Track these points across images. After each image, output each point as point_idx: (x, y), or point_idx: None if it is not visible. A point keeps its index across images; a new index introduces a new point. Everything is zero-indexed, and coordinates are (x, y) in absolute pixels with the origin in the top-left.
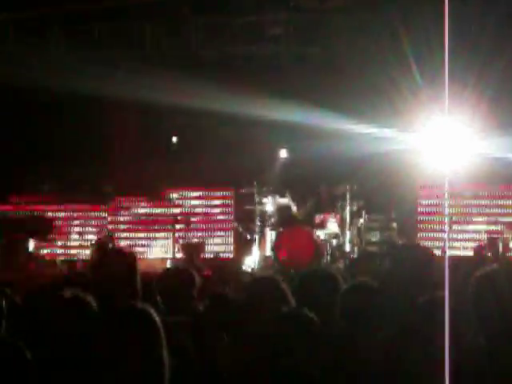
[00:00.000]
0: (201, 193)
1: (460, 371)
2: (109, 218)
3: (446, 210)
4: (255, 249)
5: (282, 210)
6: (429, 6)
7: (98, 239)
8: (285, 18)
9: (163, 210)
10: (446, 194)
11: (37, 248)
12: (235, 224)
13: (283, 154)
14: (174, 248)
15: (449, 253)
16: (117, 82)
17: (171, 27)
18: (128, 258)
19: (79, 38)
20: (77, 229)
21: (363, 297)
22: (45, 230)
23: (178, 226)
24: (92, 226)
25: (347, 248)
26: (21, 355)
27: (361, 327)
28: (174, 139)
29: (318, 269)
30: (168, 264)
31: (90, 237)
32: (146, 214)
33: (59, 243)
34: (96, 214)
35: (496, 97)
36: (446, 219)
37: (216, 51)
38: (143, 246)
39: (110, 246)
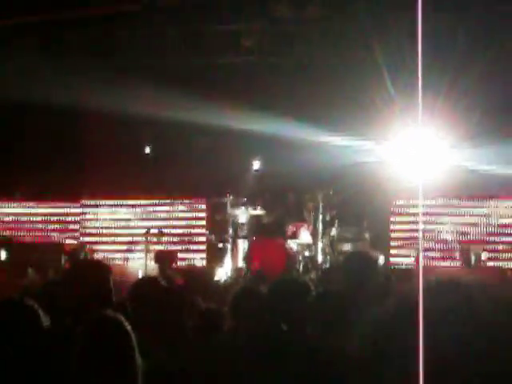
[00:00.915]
0: (174, 202)
1: (435, 378)
2: (81, 226)
3: (420, 221)
4: (227, 259)
5: (254, 221)
6: (402, 17)
7: (72, 248)
8: (259, 29)
9: (135, 219)
10: (420, 205)
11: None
12: (208, 234)
13: (256, 164)
14: (146, 257)
15: (422, 263)
16: (90, 92)
17: (145, 37)
18: (101, 270)
19: (52, 46)
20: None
21: (333, 304)
22: None
23: (150, 236)
24: (64, 231)
25: (320, 258)
26: None
27: (332, 335)
28: (148, 149)
29: (289, 278)
30: (140, 273)
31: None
32: (118, 222)
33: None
34: (69, 218)
35: (469, 108)
36: (419, 230)
37: (190, 61)
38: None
39: (83, 255)
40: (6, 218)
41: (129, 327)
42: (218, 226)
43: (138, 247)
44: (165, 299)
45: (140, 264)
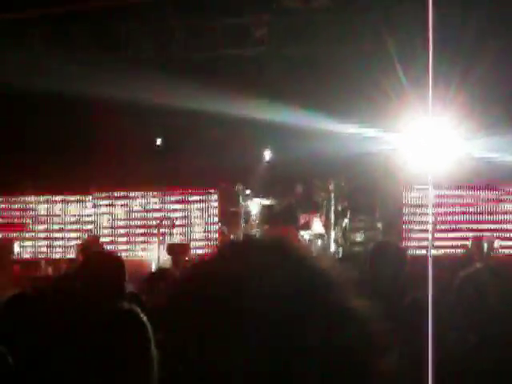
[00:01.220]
0: (185, 194)
1: (444, 370)
2: (92, 218)
3: (431, 210)
4: None
5: (266, 211)
6: (412, 7)
7: (84, 240)
8: (269, 20)
9: (147, 210)
10: (431, 194)
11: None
12: (220, 225)
13: (267, 155)
14: (158, 249)
15: (434, 252)
16: (101, 84)
17: (155, 28)
18: (114, 262)
19: (61, 39)
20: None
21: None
22: None
23: (162, 227)
24: (75, 223)
25: (332, 248)
26: (3, 360)
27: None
28: (159, 140)
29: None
30: (153, 265)
31: (72, 235)
32: (130, 214)
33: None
34: (80, 212)
35: (480, 97)
36: (431, 219)
37: (200, 52)
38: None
39: (96, 247)
40: (18, 211)
41: (145, 318)
42: (230, 216)
43: (151, 239)
44: None
45: (153, 256)
